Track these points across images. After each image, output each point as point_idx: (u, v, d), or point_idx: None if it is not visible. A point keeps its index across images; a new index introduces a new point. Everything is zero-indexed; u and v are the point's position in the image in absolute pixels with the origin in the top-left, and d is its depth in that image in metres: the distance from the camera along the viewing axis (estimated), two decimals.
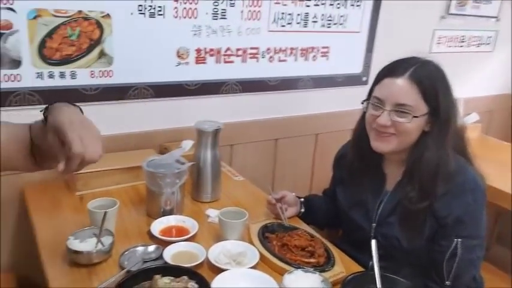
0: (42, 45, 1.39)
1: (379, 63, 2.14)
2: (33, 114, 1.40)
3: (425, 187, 1.15)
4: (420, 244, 1.17)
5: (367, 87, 2.13)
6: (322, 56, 1.99)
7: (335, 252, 1.18)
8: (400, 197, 1.20)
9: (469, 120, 2.32)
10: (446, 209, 1.14)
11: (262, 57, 1.83)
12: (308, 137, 2.11)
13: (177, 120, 1.72)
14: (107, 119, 1.58)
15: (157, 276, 0.94)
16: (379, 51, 2.13)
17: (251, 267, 1.07)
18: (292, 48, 1.89)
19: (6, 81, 1.36)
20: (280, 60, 1.88)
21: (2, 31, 1.32)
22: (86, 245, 1.09)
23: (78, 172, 1.39)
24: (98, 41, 1.47)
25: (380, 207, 1.25)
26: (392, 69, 1.19)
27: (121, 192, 1.47)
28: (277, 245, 1.18)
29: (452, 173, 1.14)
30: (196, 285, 0.94)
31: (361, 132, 1.28)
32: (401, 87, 1.15)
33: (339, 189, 1.38)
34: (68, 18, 1.40)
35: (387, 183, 1.26)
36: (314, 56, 1.96)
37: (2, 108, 1.38)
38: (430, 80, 1.15)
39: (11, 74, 1.37)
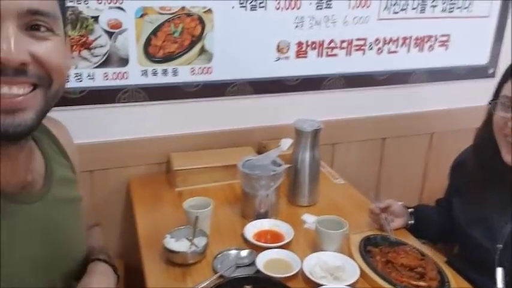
0: (147, 43, 1.42)
1: (510, 53, 1.85)
2: (138, 111, 1.49)
3: None
4: None
5: (494, 80, 1.88)
6: (441, 45, 1.76)
7: (450, 275, 1.00)
8: None
9: None
10: None
11: (370, 49, 1.67)
12: (421, 136, 1.89)
13: (276, 117, 1.65)
14: (206, 116, 1.58)
15: (247, 287, 0.88)
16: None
17: (350, 284, 0.96)
18: (405, 38, 1.70)
19: (115, 78, 1.42)
20: (389, 52, 1.70)
21: (112, 30, 1.38)
22: (181, 244, 1.08)
23: (179, 169, 1.43)
24: (199, 38, 1.46)
25: (509, 228, 1.04)
26: None
27: (218, 190, 1.45)
28: (380, 261, 1.04)
29: None
30: None
31: (485, 137, 1.08)
32: None
33: (456, 200, 1.19)
34: (172, 15, 1.42)
35: None
36: (431, 46, 1.74)
37: (112, 105, 1.45)
38: None
39: (119, 72, 1.43)
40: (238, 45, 1.52)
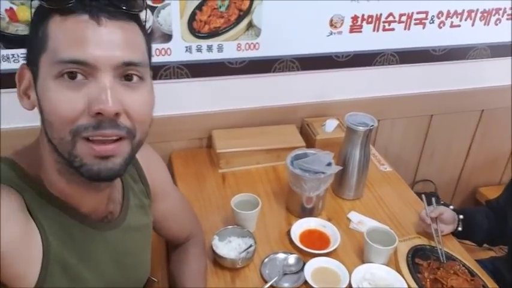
0: (192, 18, 1.32)
1: None
2: (180, 87, 1.43)
3: None
4: None
5: None
6: (509, 18, 1.59)
7: None
8: None
9: None
10: None
11: (431, 23, 1.52)
12: (470, 113, 1.80)
13: (322, 94, 1.58)
14: (251, 92, 1.52)
15: None
16: None
17: None
18: (470, 11, 1.53)
19: (157, 55, 1.35)
20: (452, 26, 1.55)
21: (155, 4, 1.28)
22: (229, 247, 1.10)
23: (222, 151, 1.41)
24: (247, 12, 1.35)
25: None
26: None
27: (261, 172, 1.44)
28: (429, 278, 1.05)
29: None
30: None
31: None
32: None
33: (511, 212, 1.15)
34: None
35: None
36: (498, 20, 1.58)
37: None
38: None
39: (162, 48, 1.35)
40: (289, 20, 1.40)
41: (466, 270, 1.07)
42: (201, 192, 1.36)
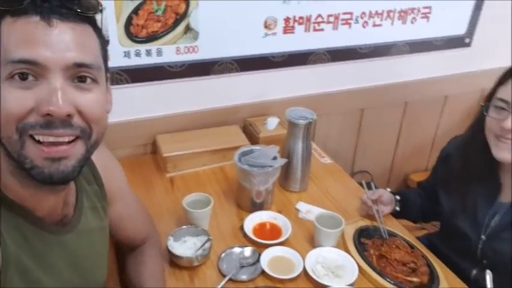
0: (128, 22, 1.32)
1: (487, 23, 1.89)
2: (120, 93, 1.41)
3: None
4: None
5: (470, 50, 1.94)
6: (423, 17, 1.75)
7: (438, 267, 1.11)
8: None
9: None
10: None
11: (356, 23, 1.64)
12: (396, 106, 1.95)
13: (262, 94, 1.63)
14: (192, 95, 1.53)
15: None
16: (490, 10, 1.85)
17: (351, 284, 1.04)
18: (389, 11, 1.68)
19: None
20: (374, 25, 1.68)
21: None
22: (185, 247, 1.10)
23: (169, 155, 1.41)
24: (183, 15, 1.37)
25: (492, 220, 1.14)
26: None
27: (209, 173, 1.46)
28: (374, 254, 1.13)
29: None
30: None
31: (474, 137, 1.14)
32: None
33: (442, 190, 1.27)
34: None
35: (503, 194, 1.14)
36: (413, 18, 1.74)
37: None
38: None
39: None
40: (225, 23, 1.44)
41: (407, 244, 1.16)
42: (150, 198, 1.34)
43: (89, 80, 0.61)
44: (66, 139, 0.60)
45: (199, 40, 1.43)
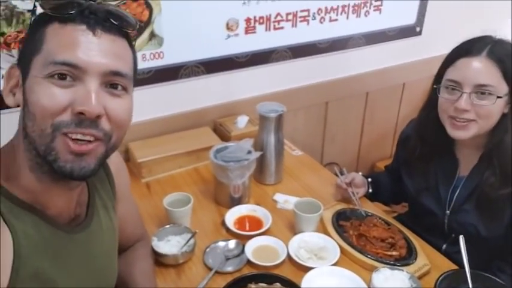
0: None
1: (434, 11, 2.01)
2: None
3: (506, 172, 1.11)
4: (499, 231, 1.15)
5: (421, 38, 2.05)
6: (375, 10, 1.85)
7: (415, 241, 1.17)
8: (477, 183, 1.16)
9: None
10: None
11: (313, 19, 1.71)
12: (358, 96, 2.03)
13: (230, 95, 1.67)
14: (161, 101, 1.55)
15: (251, 285, 0.96)
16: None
17: (334, 263, 1.09)
18: (344, 6, 1.76)
19: None
20: (331, 20, 1.76)
21: None
22: (169, 245, 1.11)
23: (143, 160, 1.42)
24: (147, 23, 1.39)
25: (454, 194, 1.21)
26: (466, 49, 1.11)
27: (185, 175, 1.48)
28: (354, 235, 1.18)
29: None
30: None
31: (428, 117, 1.21)
32: (480, 67, 1.08)
33: (405, 171, 1.33)
34: (116, 1, 1.31)
35: (461, 169, 1.21)
36: (367, 12, 1.83)
37: None
38: (509, 58, 1.07)
39: None
40: (188, 27, 1.47)
41: (383, 222, 1.22)
42: None
43: (120, 88, 0.67)
44: (91, 139, 0.65)
45: (164, 46, 1.45)
